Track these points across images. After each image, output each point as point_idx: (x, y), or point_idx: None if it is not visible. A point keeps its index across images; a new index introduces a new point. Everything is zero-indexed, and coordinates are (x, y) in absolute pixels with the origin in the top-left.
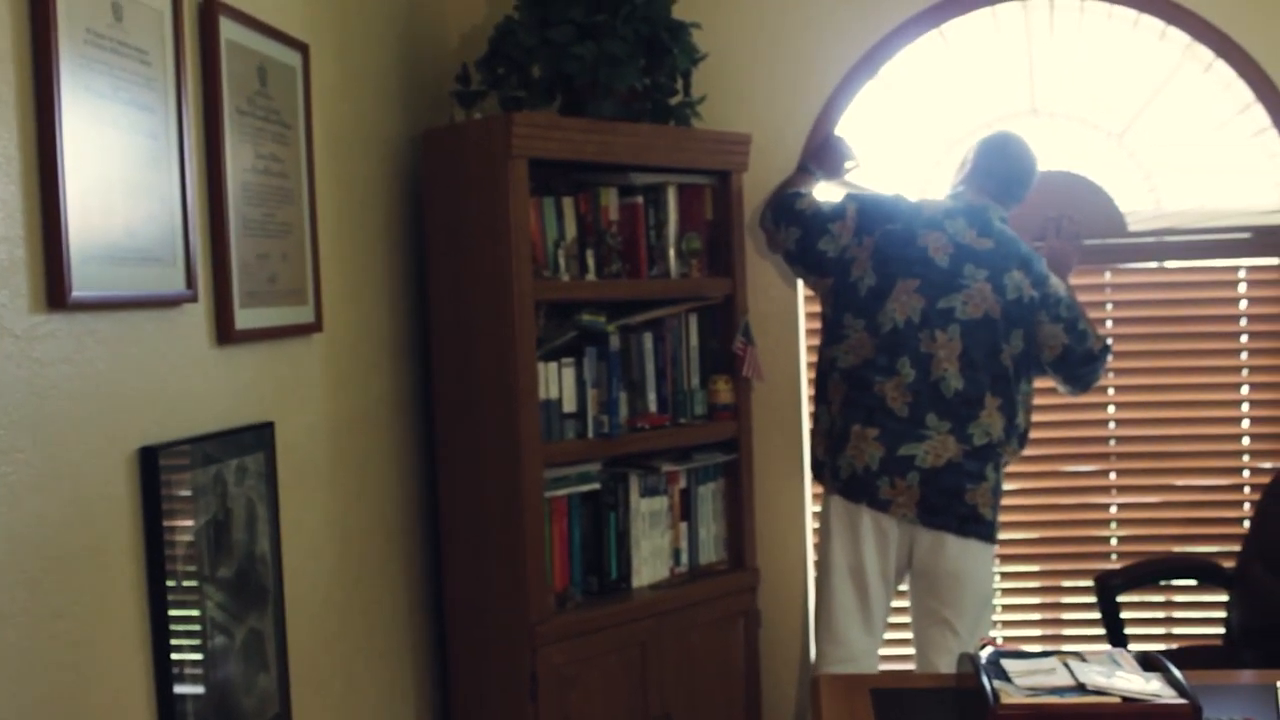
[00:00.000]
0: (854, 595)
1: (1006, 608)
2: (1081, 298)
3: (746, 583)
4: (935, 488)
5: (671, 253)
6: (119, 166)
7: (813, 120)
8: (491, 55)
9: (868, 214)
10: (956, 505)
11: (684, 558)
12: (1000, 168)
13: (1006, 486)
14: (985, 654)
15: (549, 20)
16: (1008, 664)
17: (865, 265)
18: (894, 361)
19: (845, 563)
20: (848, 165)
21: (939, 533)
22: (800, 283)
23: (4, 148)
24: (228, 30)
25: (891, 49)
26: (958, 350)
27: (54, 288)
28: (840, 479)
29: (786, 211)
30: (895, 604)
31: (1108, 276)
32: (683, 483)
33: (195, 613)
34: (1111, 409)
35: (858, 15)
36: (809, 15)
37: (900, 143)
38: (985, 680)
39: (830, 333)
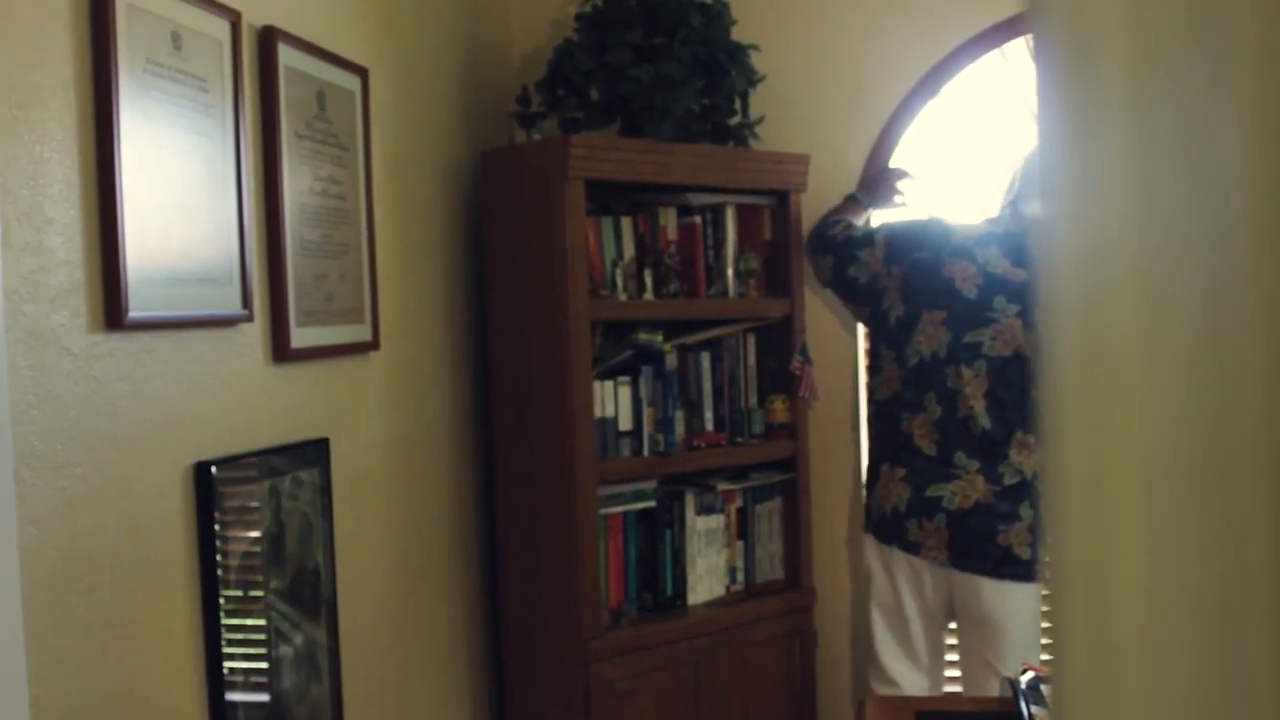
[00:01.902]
0: (894, 633)
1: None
2: None
3: (802, 602)
4: (964, 529)
5: (729, 272)
6: (177, 191)
7: (872, 141)
8: (551, 77)
9: (896, 242)
10: (990, 548)
11: (740, 576)
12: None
13: None
14: (1026, 679)
15: (607, 43)
16: (1048, 689)
17: (895, 295)
18: (921, 397)
19: (884, 601)
20: (898, 197)
21: (973, 575)
22: None
23: (65, 174)
24: (286, 57)
25: (952, 69)
26: (984, 388)
27: (112, 308)
28: (872, 519)
29: (820, 239)
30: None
31: None
32: (739, 501)
33: (248, 623)
34: None
35: (918, 36)
36: (868, 36)
37: (961, 165)
38: (1024, 705)
39: (870, 363)
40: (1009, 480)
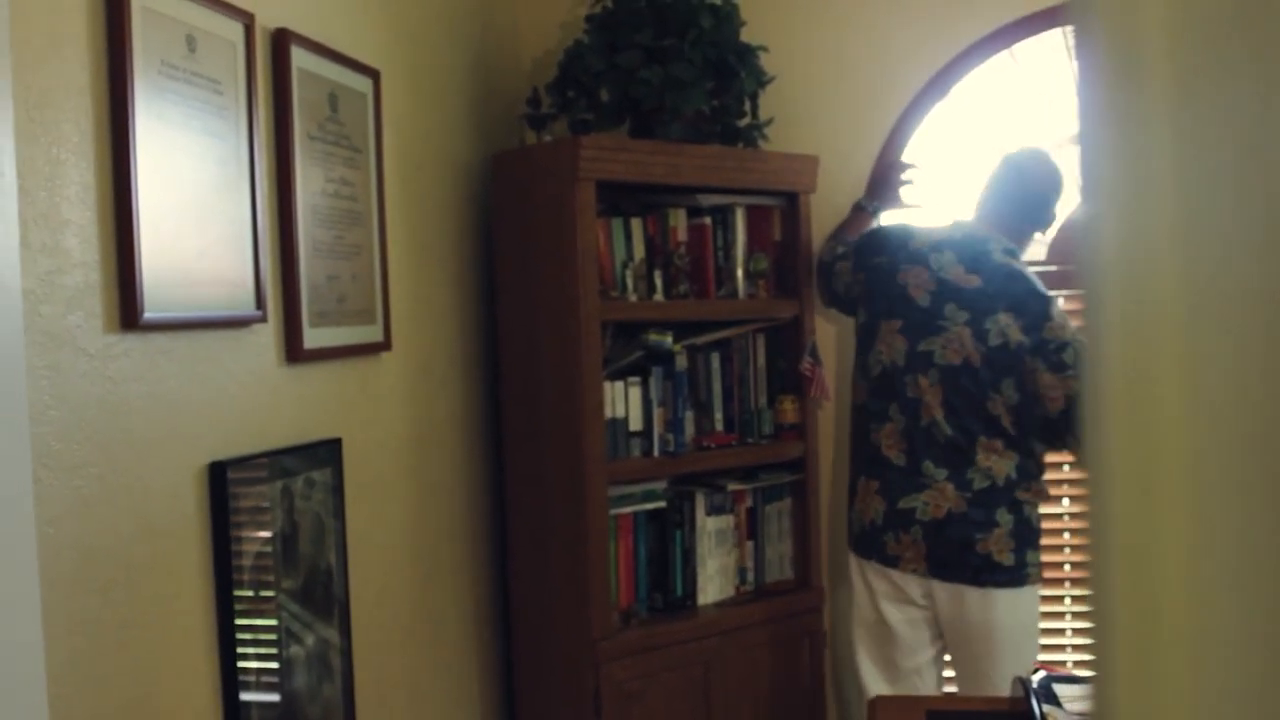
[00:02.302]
0: (877, 652)
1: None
2: None
3: (812, 602)
4: (941, 540)
5: (739, 273)
6: (191, 192)
7: (881, 142)
8: (561, 79)
9: (862, 248)
10: (969, 556)
11: (750, 576)
12: (1016, 192)
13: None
14: (1037, 678)
15: (616, 45)
16: (1060, 689)
17: (861, 303)
18: (885, 407)
19: (865, 618)
20: (905, 192)
21: (956, 585)
22: None
23: (81, 176)
24: (299, 59)
25: (961, 70)
26: (940, 396)
27: (127, 309)
28: (853, 533)
29: (816, 261)
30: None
31: None
32: (749, 501)
33: (262, 623)
34: None
35: (927, 37)
36: (878, 37)
37: (970, 166)
38: (1035, 705)
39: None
40: (979, 485)
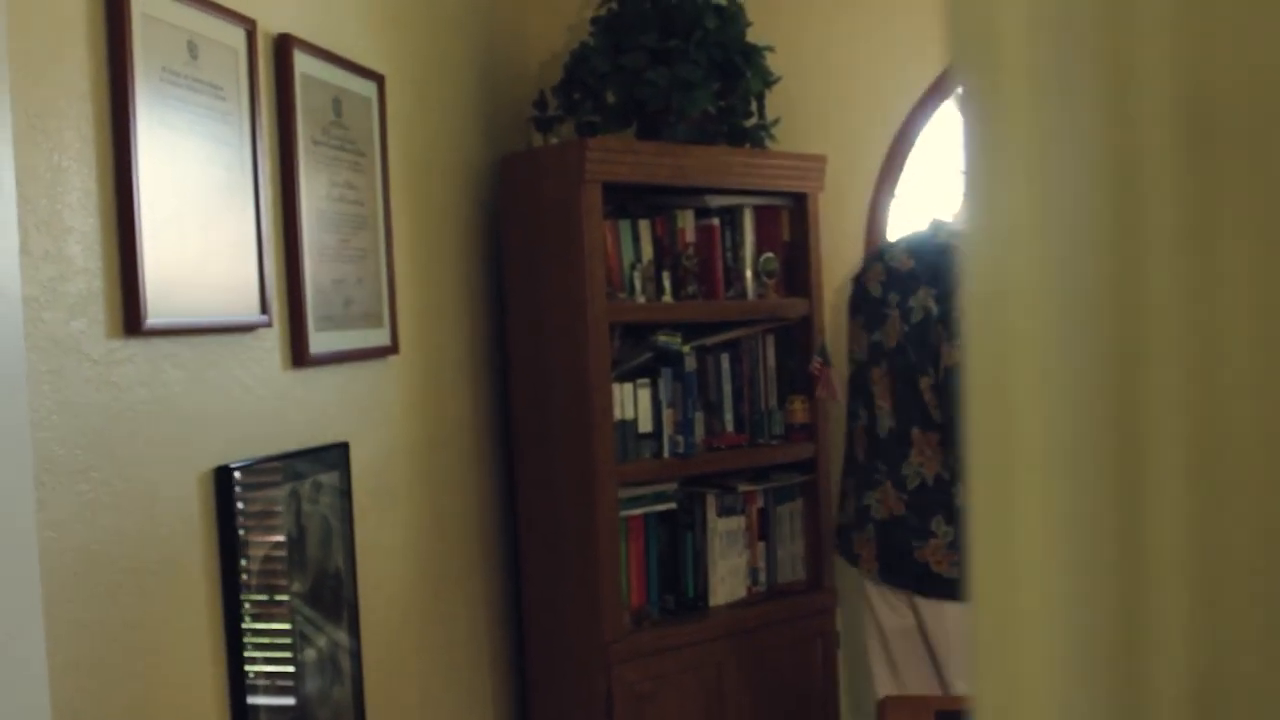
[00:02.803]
0: (880, 650)
1: None
2: None
3: (824, 603)
4: (888, 543)
5: (748, 274)
6: (194, 198)
7: (890, 140)
8: (567, 81)
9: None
10: (909, 563)
11: (761, 577)
12: None
13: None
14: None
15: (622, 47)
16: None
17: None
18: (856, 405)
19: (870, 619)
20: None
21: (906, 591)
22: None
23: (83, 182)
24: (302, 64)
25: None
26: (887, 385)
27: (130, 315)
28: (837, 533)
29: None
30: None
31: None
32: (760, 502)
33: (270, 627)
34: None
35: (934, 35)
36: (884, 36)
37: None
38: None
39: None
40: (911, 485)
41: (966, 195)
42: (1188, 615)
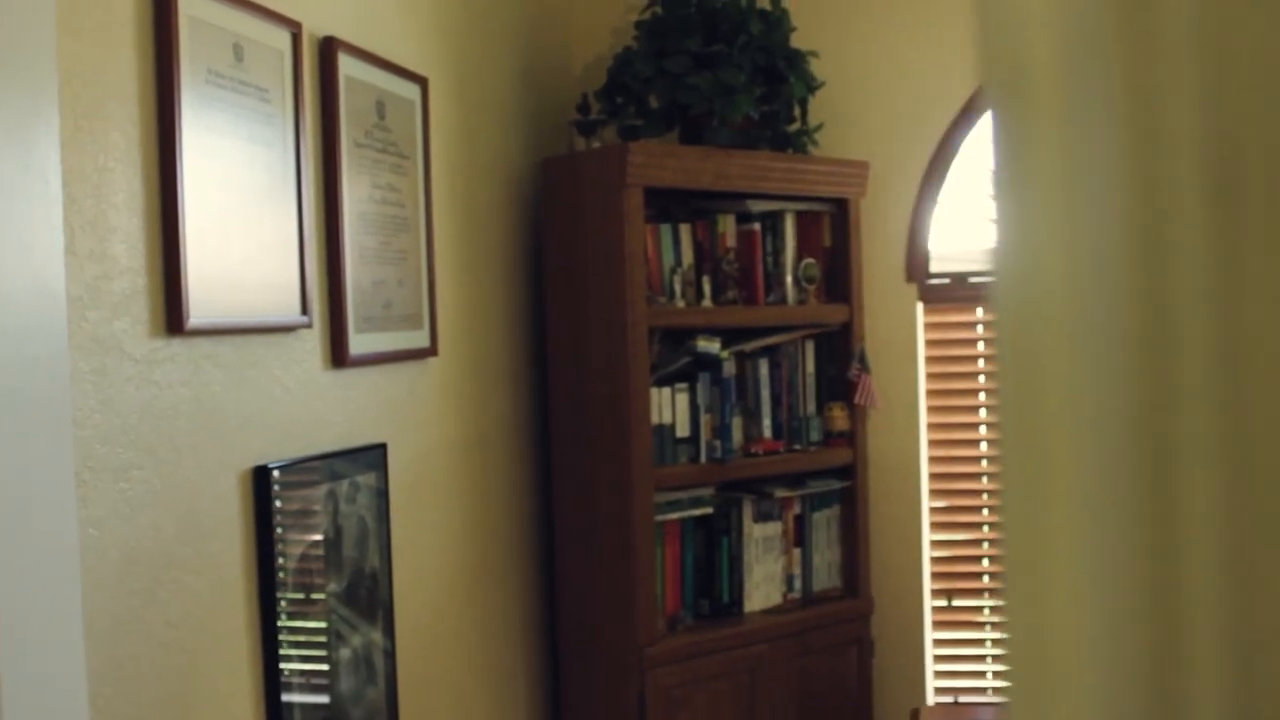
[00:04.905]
0: None
1: None
2: None
3: (860, 610)
4: None
5: (788, 279)
6: (237, 199)
7: (933, 148)
8: (610, 85)
9: None
10: None
11: (797, 584)
12: None
13: None
14: None
15: (666, 51)
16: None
17: None
18: None
19: None
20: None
21: None
22: (920, 310)
23: (129, 183)
24: (346, 67)
25: None
26: None
27: (173, 315)
28: None
29: None
30: None
31: None
32: (797, 509)
33: (306, 625)
34: None
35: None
36: (929, 42)
37: None
38: None
39: None
40: None
41: (996, 219)
42: (1221, 611)
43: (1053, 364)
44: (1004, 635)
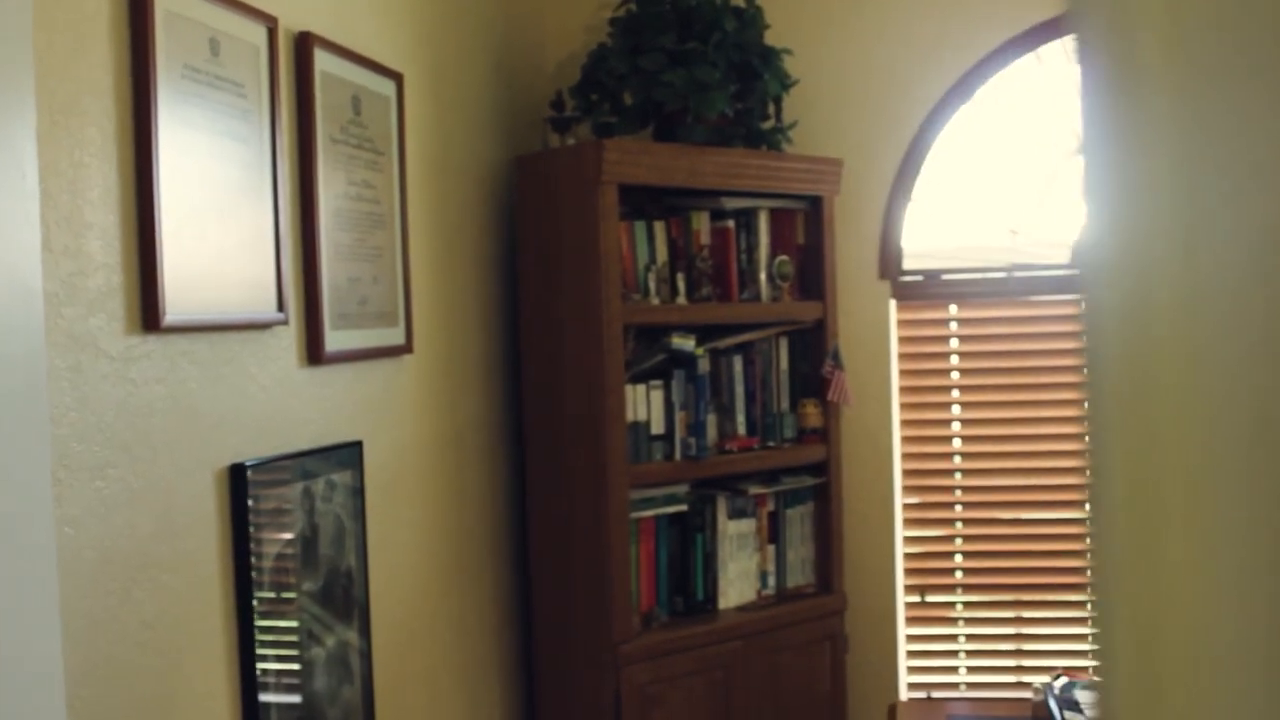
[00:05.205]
0: None
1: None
2: None
3: (834, 607)
4: None
5: (762, 276)
6: (213, 195)
7: (906, 145)
8: (585, 82)
9: None
10: None
11: (771, 580)
12: None
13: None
14: (1059, 684)
15: (641, 48)
16: (1082, 694)
17: None
18: None
19: None
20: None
21: None
22: (892, 307)
23: (104, 178)
24: (322, 62)
25: (987, 73)
26: None
27: (149, 311)
28: None
29: None
30: None
31: None
32: (771, 505)
33: (282, 624)
34: None
35: (952, 40)
36: (902, 40)
37: (996, 169)
38: (1055, 710)
39: None
40: None
41: (1088, 194)
42: None
43: (1168, 358)
44: (1101, 630)
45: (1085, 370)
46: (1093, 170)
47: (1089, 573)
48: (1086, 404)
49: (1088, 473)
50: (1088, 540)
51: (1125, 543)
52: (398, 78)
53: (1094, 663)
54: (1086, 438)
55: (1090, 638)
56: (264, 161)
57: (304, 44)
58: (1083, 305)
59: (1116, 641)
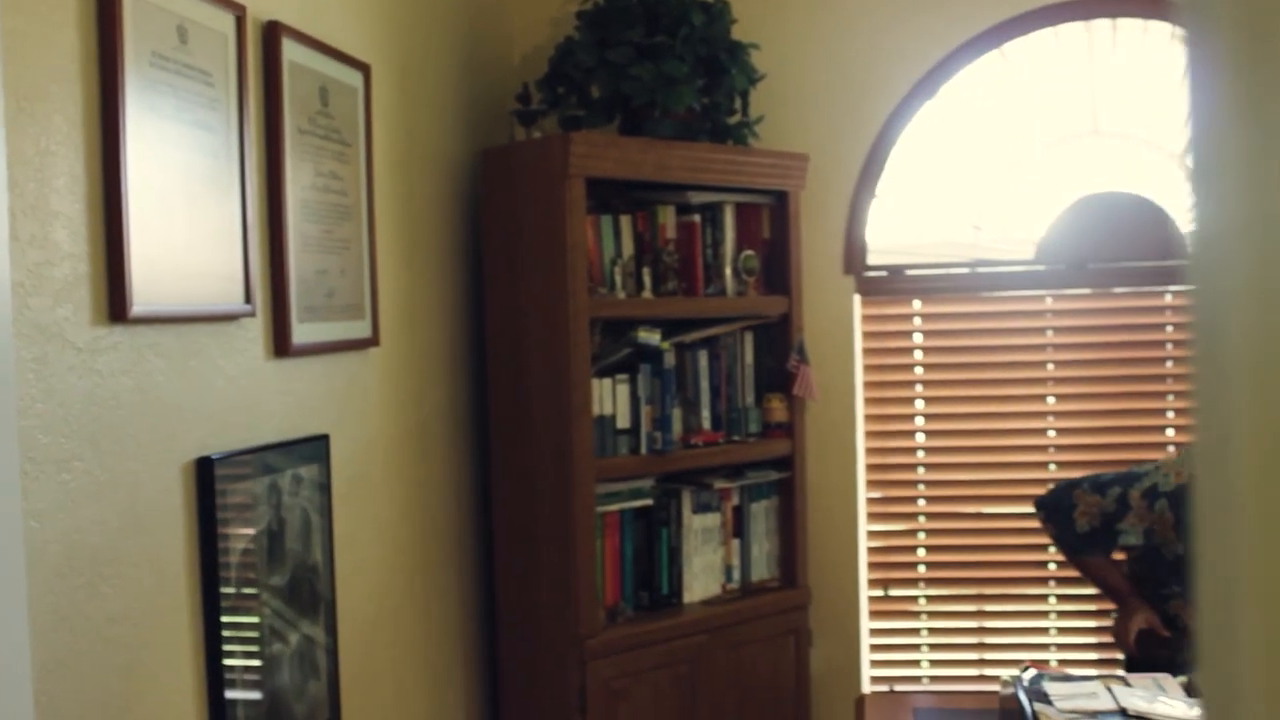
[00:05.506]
0: None
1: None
2: (1133, 320)
3: (798, 601)
4: None
5: (728, 271)
6: (181, 185)
7: (871, 141)
8: (552, 75)
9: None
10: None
11: (736, 574)
12: None
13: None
14: (1028, 676)
15: (608, 41)
16: (1050, 687)
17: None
18: None
19: None
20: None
21: None
22: (857, 302)
23: (70, 167)
24: (290, 52)
25: (951, 69)
26: None
27: (116, 302)
28: None
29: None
30: None
31: (1168, 299)
32: (735, 500)
33: (248, 619)
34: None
35: (917, 36)
36: (868, 36)
37: (960, 165)
38: (1025, 702)
39: None
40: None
41: (1197, 177)
42: None
43: None
44: (1218, 635)
45: (1197, 360)
46: (1210, 159)
47: (1195, 566)
48: (1198, 394)
49: (1200, 469)
50: (1194, 535)
51: (1256, 539)
52: (365, 69)
53: (1205, 670)
54: (1199, 429)
55: (1199, 641)
56: (231, 151)
57: (272, 33)
58: (1193, 295)
59: (1242, 645)
